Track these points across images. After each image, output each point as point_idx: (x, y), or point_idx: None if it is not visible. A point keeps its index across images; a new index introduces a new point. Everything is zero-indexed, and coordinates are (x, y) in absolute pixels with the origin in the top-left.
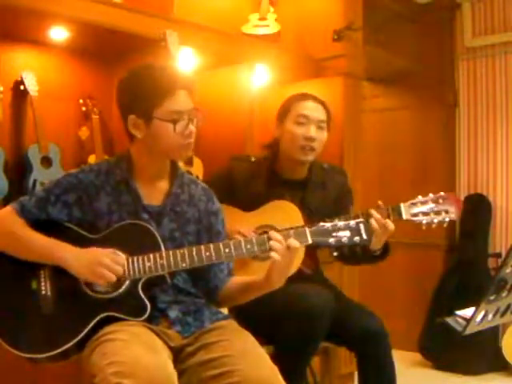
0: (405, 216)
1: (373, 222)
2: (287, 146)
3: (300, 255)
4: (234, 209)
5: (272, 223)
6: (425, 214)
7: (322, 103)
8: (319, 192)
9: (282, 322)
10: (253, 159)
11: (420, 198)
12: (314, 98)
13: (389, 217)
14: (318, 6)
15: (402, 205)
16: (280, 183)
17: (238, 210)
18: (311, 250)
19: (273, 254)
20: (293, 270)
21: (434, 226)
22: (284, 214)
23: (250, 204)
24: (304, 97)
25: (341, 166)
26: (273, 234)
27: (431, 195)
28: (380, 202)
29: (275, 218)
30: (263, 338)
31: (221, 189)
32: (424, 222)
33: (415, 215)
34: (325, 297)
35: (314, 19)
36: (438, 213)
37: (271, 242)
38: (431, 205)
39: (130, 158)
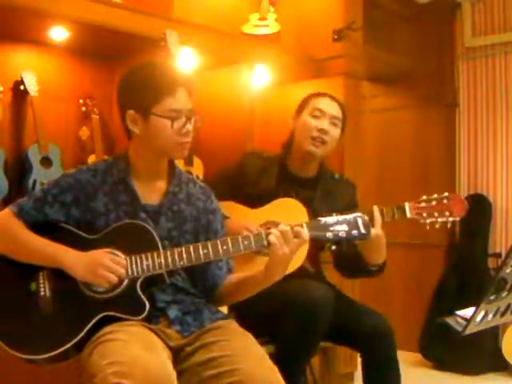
0: (409, 215)
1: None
2: (300, 137)
3: (303, 253)
4: (240, 206)
5: (277, 220)
6: (429, 213)
7: (339, 102)
8: (327, 200)
9: (282, 316)
10: (265, 155)
11: (424, 197)
12: (332, 97)
13: (394, 216)
14: (317, 6)
15: (406, 204)
16: (288, 179)
17: (243, 206)
18: (314, 250)
19: (272, 238)
20: (295, 266)
21: (437, 226)
22: (290, 211)
23: (258, 199)
24: (322, 94)
25: (349, 177)
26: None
27: (435, 195)
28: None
29: (281, 216)
30: (265, 336)
31: (229, 183)
32: (428, 221)
33: (419, 214)
34: (325, 290)
35: (314, 19)
36: (441, 213)
37: (272, 230)
38: (435, 205)
39: (127, 157)
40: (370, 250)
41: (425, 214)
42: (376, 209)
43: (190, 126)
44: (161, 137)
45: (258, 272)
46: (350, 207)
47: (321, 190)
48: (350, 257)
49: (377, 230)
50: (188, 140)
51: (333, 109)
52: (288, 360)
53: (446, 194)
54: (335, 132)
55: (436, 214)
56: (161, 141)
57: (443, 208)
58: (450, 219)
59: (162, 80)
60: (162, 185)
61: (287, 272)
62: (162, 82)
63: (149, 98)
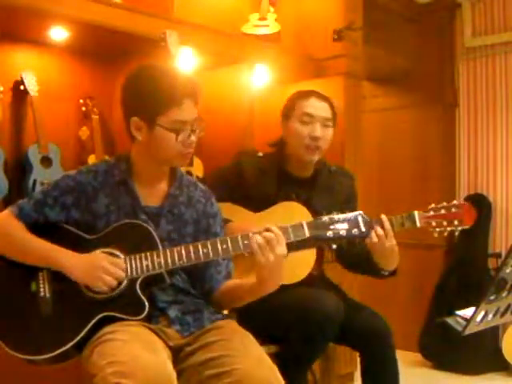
0: (419, 224)
1: (372, 233)
2: (293, 145)
3: (310, 262)
4: (242, 209)
5: (282, 224)
6: (438, 222)
7: (327, 100)
8: (326, 196)
9: (292, 325)
10: (260, 154)
11: (433, 205)
12: (318, 96)
13: (403, 225)
14: (318, 6)
15: (416, 213)
16: (288, 181)
17: (245, 210)
18: (318, 251)
19: (253, 244)
20: (303, 274)
21: (445, 234)
22: (293, 215)
23: (259, 201)
24: (308, 94)
25: (347, 168)
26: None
27: (444, 203)
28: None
29: (285, 220)
30: (266, 337)
31: (227, 184)
32: (437, 230)
33: (428, 223)
34: (337, 305)
35: (314, 19)
36: (450, 222)
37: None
38: (444, 213)
39: (129, 159)
40: (385, 259)
41: (434, 224)
42: (385, 219)
43: (193, 137)
44: (164, 148)
45: (253, 279)
46: (350, 199)
47: (319, 187)
48: (360, 255)
49: (390, 242)
50: (191, 150)
51: (322, 110)
52: (291, 365)
53: (455, 202)
54: (328, 133)
55: (445, 223)
56: (163, 151)
57: (452, 217)
58: (459, 228)
59: (168, 90)
60: (163, 187)
61: (295, 281)
62: (169, 93)
63: (154, 107)
